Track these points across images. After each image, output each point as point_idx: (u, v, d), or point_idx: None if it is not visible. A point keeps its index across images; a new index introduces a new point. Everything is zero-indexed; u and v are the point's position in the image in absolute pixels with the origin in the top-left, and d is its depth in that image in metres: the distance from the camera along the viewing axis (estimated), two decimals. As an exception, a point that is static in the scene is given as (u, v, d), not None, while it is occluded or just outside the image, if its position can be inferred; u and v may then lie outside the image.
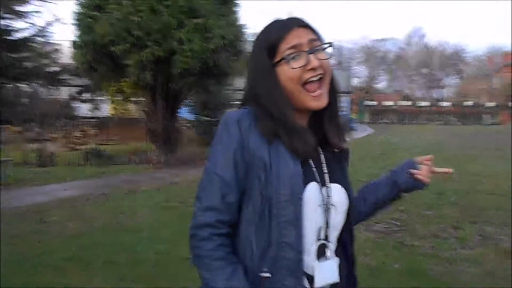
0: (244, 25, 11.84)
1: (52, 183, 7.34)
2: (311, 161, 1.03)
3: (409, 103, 40.71)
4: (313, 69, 1.00)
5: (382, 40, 61.71)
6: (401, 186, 1.19)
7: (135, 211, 5.63)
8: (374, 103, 37.32)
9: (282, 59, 1.01)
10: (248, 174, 0.98)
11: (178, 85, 10.73)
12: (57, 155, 10.81)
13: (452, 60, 59.13)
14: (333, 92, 1.07)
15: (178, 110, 13.00)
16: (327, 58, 1.04)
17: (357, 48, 59.83)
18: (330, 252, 1.03)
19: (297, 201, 0.96)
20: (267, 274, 0.95)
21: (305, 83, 1.01)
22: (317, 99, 1.02)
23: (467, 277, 3.55)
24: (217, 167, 0.99)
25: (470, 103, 40.50)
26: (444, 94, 59.33)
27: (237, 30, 11.24)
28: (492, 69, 50.40)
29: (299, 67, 1.00)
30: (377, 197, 1.22)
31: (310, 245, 1.00)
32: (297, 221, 0.96)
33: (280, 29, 1.04)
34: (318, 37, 1.05)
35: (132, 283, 3.33)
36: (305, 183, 0.98)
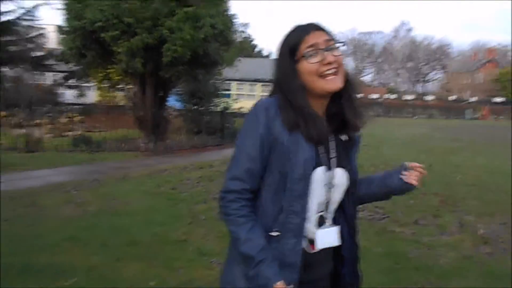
0: (234, 15, 11.89)
1: (43, 168, 7.37)
2: (322, 148, 1.23)
3: (395, 96, 41.23)
4: (329, 63, 1.19)
5: (370, 33, 62.23)
6: (392, 188, 1.35)
7: (128, 196, 5.74)
8: (361, 95, 37.71)
9: (303, 56, 1.21)
10: (270, 153, 1.19)
11: (168, 74, 10.76)
12: (43, 140, 10.77)
13: (437, 54, 59.99)
14: (348, 81, 1.27)
15: (167, 99, 13.03)
16: (341, 55, 1.23)
17: (345, 40, 60.07)
18: (328, 221, 1.28)
19: (307, 180, 1.19)
20: (276, 233, 1.20)
21: (321, 76, 1.20)
22: (332, 82, 1.20)
23: (445, 260, 3.79)
24: (245, 145, 1.21)
25: (453, 97, 41.23)
26: (429, 88, 60.23)
27: (227, 20, 11.29)
28: (476, 65, 51.30)
29: (317, 62, 1.20)
30: (367, 193, 1.39)
31: (313, 215, 1.24)
32: (304, 195, 1.19)
33: (300, 32, 1.24)
34: (332, 38, 1.24)
35: (129, 263, 3.47)
36: (315, 166, 1.20)
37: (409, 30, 65.32)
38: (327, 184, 1.23)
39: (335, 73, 1.21)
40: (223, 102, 14.60)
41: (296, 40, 1.23)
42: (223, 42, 11.38)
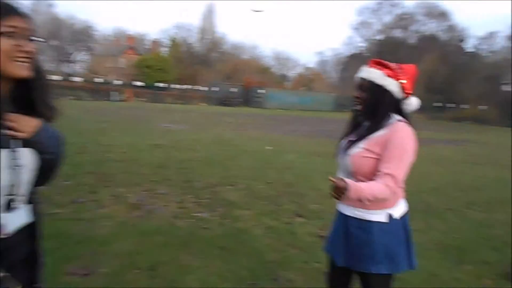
0: None
1: None
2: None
3: (39, 75, 38.57)
4: (25, 51, 1.19)
5: (3, 2, 54.77)
6: None
7: None
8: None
9: (1, 33, 1.15)
10: None
11: None
12: None
13: (82, 36, 60.14)
14: (39, 71, 1.30)
15: None
16: (35, 49, 1.24)
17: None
18: (17, 203, 1.27)
19: None
20: None
21: (12, 59, 1.18)
22: (22, 67, 1.21)
23: (104, 230, 4.25)
24: None
25: (100, 80, 42.82)
26: (76, 69, 59.82)
27: None
28: (118, 50, 55.07)
29: (14, 44, 1.17)
30: None
31: None
32: None
33: (5, 9, 1.17)
34: (33, 29, 1.23)
35: None
36: None
37: (50, 5, 61.96)
38: (11, 166, 1.21)
39: (26, 62, 1.22)
40: None
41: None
42: None
